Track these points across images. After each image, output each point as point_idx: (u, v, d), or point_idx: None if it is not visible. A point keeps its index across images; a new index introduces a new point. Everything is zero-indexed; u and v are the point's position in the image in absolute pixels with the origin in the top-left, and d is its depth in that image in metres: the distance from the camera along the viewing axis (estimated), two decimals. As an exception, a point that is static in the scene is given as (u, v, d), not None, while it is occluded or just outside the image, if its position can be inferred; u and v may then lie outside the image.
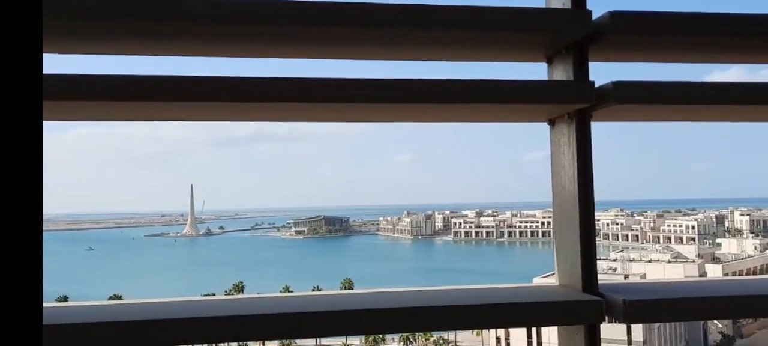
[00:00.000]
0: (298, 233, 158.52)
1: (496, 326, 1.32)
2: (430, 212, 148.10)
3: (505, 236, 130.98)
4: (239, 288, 63.06)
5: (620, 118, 1.41)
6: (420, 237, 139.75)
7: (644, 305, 1.22)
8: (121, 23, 1.18)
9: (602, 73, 1.33)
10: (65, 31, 1.20)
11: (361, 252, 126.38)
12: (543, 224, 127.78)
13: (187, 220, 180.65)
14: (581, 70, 1.33)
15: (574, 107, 1.32)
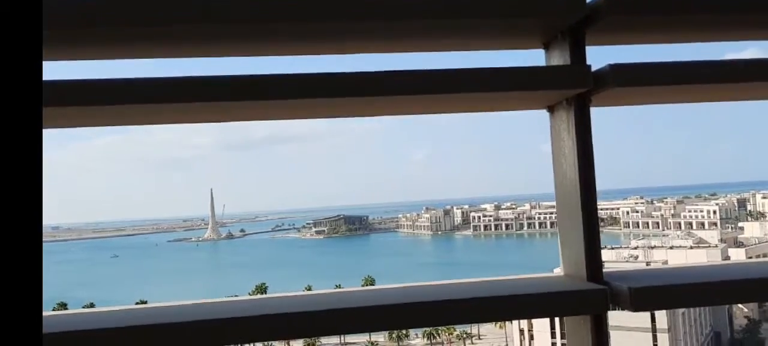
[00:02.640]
0: (318, 232, 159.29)
1: (498, 319, 1.30)
2: (448, 207, 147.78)
3: (525, 228, 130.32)
4: (262, 289, 63.64)
5: (620, 102, 1.38)
6: (440, 233, 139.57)
7: (650, 292, 1.19)
8: (113, 28, 1.18)
9: (611, 57, 1.30)
10: (61, 39, 1.20)
11: (382, 250, 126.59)
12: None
13: (208, 224, 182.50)
14: (578, 55, 1.30)
15: (572, 93, 1.29)
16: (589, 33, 1.31)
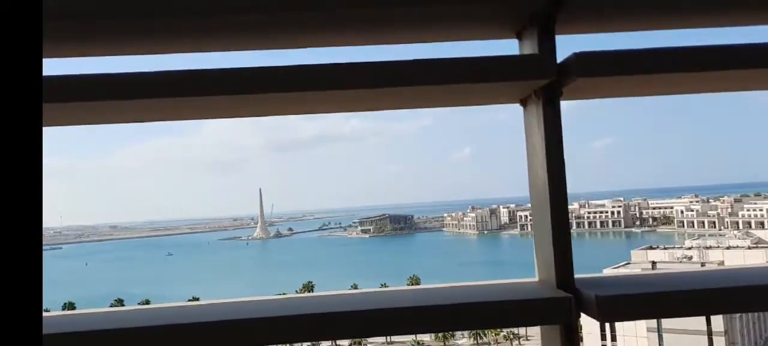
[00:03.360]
0: (364, 231, 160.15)
1: (456, 329, 1.21)
2: (494, 206, 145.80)
3: (574, 227, 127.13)
4: (309, 287, 64.47)
5: (593, 94, 1.27)
6: (486, 232, 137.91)
7: (617, 300, 1.09)
8: (116, 22, 1.18)
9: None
10: (63, 34, 1.21)
11: (427, 249, 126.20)
12: (613, 213, 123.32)
13: (257, 223, 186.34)
14: (547, 45, 1.21)
15: (538, 85, 1.19)
16: (560, 21, 1.21)
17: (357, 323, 1.15)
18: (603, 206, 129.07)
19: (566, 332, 1.18)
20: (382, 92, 1.15)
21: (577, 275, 1.22)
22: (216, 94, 1.14)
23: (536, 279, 1.32)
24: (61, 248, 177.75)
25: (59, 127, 1.34)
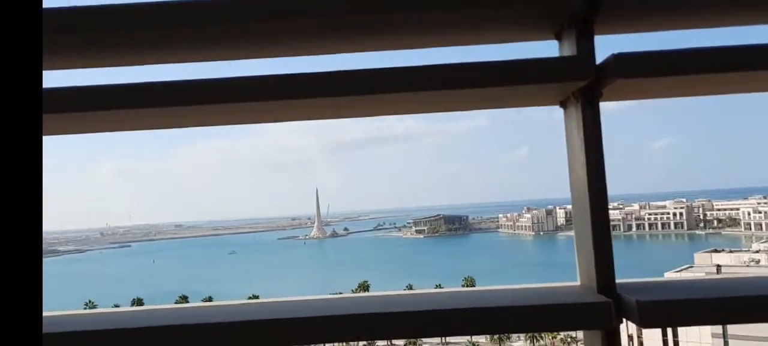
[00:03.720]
0: (418, 232, 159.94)
1: (495, 332, 1.21)
2: (550, 207, 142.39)
3: (634, 228, 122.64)
4: (364, 287, 64.94)
5: (633, 95, 1.24)
6: (542, 233, 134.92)
7: (660, 306, 1.06)
8: (116, 35, 1.25)
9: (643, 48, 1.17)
10: (65, 47, 1.29)
11: (481, 250, 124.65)
12: (675, 215, 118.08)
13: (314, 223, 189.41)
14: (586, 45, 1.19)
15: (576, 86, 1.18)
16: (599, 22, 1.19)
17: (411, 323, 1.17)
18: (664, 207, 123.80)
19: (608, 338, 1.16)
20: (423, 96, 1.16)
21: (620, 280, 1.20)
22: (279, 98, 1.17)
23: (578, 283, 1.30)
24: (130, 245, 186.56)
25: (129, 131, 1.43)
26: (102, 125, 1.34)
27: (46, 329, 1.15)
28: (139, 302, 55.89)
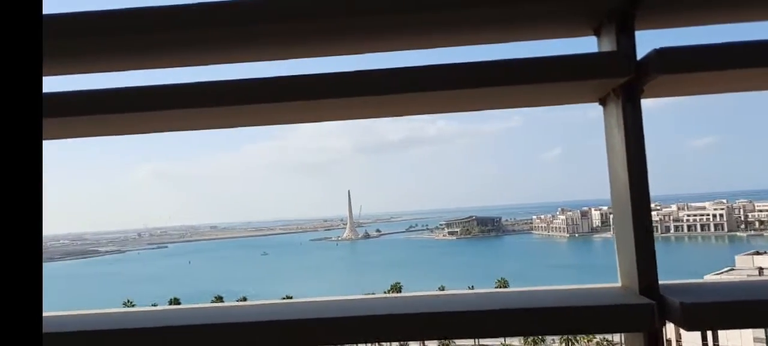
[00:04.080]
0: (451, 233, 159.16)
1: (533, 334, 1.19)
2: (585, 208, 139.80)
3: (671, 230, 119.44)
4: (396, 288, 64.91)
5: (675, 91, 1.21)
6: (577, 235, 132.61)
7: (705, 308, 1.03)
8: (114, 39, 1.27)
9: (683, 41, 1.14)
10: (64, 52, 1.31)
11: (515, 251, 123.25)
12: (714, 216, 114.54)
13: (346, 224, 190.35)
14: (626, 40, 1.16)
15: (616, 83, 1.15)
16: (639, 17, 1.16)
17: (443, 324, 1.16)
18: (703, 208, 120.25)
19: (650, 341, 1.13)
20: (461, 94, 1.16)
21: (662, 281, 1.17)
22: (311, 98, 1.18)
23: (619, 285, 1.27)
24: (167, 246, 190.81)
25: (168, 132, 1.46)
26: (137, 127, 1.37)
27: (80, 327, 1.19)
28: (175, 301, 57.09)
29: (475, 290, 1.45)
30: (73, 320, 1.31)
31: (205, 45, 1.33)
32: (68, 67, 1.38)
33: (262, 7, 1.20)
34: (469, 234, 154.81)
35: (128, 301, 59.62)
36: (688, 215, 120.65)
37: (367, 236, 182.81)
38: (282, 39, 1.32)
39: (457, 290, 1.49)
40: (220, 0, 1.19)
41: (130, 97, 1.17)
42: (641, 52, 1.11)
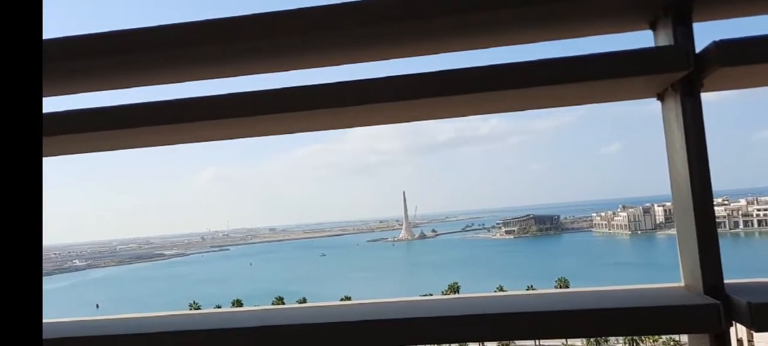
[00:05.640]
0: (508, 232, 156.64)
1: (594, 335, 1.17)
2: (648, 205, 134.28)
3: (740, 226, 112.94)
4: (454, 289, 64.43)
5: (736, 84, 1.16)
6: (639, 232, 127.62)
7: (775, 309, 0.99)
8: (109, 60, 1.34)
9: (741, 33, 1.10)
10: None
11: (575, 250, 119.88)
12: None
13: (402, 225, 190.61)
14: (683, 34, 1.13)
15: (674, 77, 1.12)
16: (697, 8, 1.13)
17: (502, 325, 1.17)
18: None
19: (716, 342, 1.09)
20: (518, 93, 1.16)
21: (727, 280, 1.13)
22: (363, 103, 1.21)
23: (682, 284, 1.24)
24: (228, 249, 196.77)
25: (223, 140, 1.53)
26: (197, 135, 1.44)
27: (154, 329, 1.26)
28: (238, 302, 58.76)
29: (533, 291, 1.44)
30: (161, 321, 1.39)
31: (269, 53, 1.38)
32: (146, 79, 1.47)
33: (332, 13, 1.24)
34: (527, 233, 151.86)
35: (194, 302, 61.85)
36: (759, 210, 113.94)
37: (423, 237, 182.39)
38: (347, 44, 1.36)
39: (516, 290, 1.47)
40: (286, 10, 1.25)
41: (197, 107, 1.24)
42: (697, 45, 1.08)
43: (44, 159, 1.53)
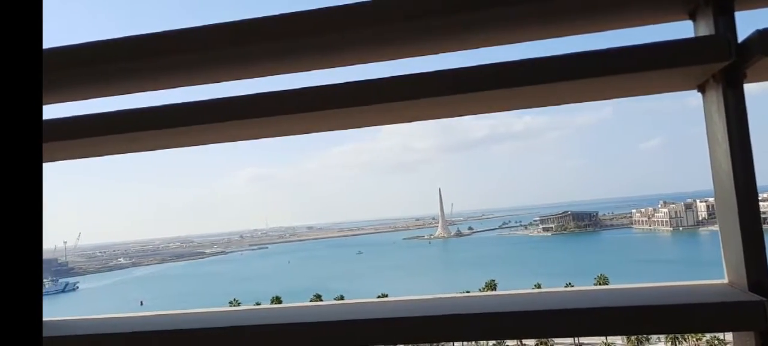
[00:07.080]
0: (545, 229, 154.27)
1: (634, 333, 1.14)
2: (690, 201, 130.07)
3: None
4: (491, 286, 63.88)
5: (784, 73, 1.12)
6: (681, 229, 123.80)
7: (825, 307, 0.95)
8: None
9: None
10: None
11: (615, 247, 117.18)
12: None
13: (438, 222, 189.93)
14: (725, 23, 1.10)
15: (716, 68, 1.09)
16: (739, -4, 1.10)
17: (541, 323, 1.15)
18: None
19: (762, 340, 1.06)
20: (556, 87, 1.14)
21: (774, 277, 1.09)
22: (405, 99, 1.21)
23: (725, 281, 1.20)
24: (267, 247, 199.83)
25: (257, 139, 1.56)
26: (237, 135, 1.47)
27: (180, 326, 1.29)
28: (277, 299, 59.63)
29: (572, 288, 1.42)
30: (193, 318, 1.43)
31: (298, 53, 1.40)
32: (165, 83, 1.51)
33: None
34: (565, 230, 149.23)
35: (234, 299, 63.03)
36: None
37: (459, 234, 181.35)
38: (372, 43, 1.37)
39: (553, 287, 1.45)
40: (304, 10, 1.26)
41: (232, 107, 1.27)
42: (739, 35, 1.05)
43: (88, 160, 1.60)
